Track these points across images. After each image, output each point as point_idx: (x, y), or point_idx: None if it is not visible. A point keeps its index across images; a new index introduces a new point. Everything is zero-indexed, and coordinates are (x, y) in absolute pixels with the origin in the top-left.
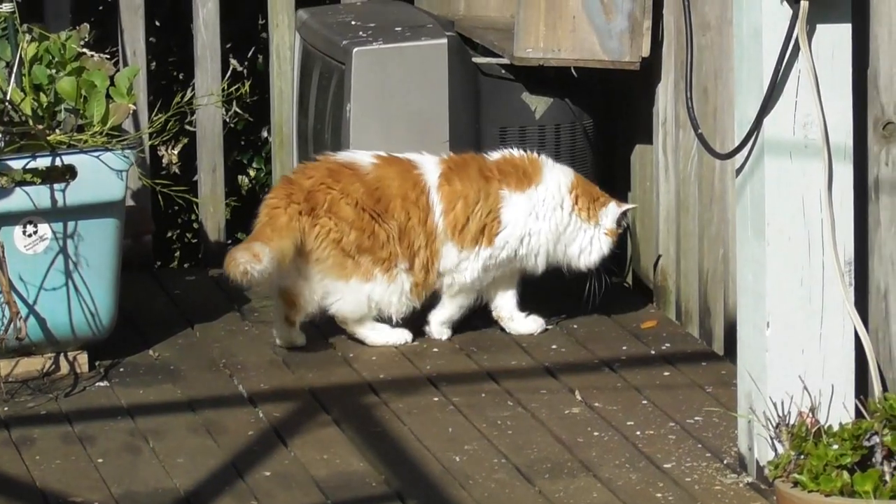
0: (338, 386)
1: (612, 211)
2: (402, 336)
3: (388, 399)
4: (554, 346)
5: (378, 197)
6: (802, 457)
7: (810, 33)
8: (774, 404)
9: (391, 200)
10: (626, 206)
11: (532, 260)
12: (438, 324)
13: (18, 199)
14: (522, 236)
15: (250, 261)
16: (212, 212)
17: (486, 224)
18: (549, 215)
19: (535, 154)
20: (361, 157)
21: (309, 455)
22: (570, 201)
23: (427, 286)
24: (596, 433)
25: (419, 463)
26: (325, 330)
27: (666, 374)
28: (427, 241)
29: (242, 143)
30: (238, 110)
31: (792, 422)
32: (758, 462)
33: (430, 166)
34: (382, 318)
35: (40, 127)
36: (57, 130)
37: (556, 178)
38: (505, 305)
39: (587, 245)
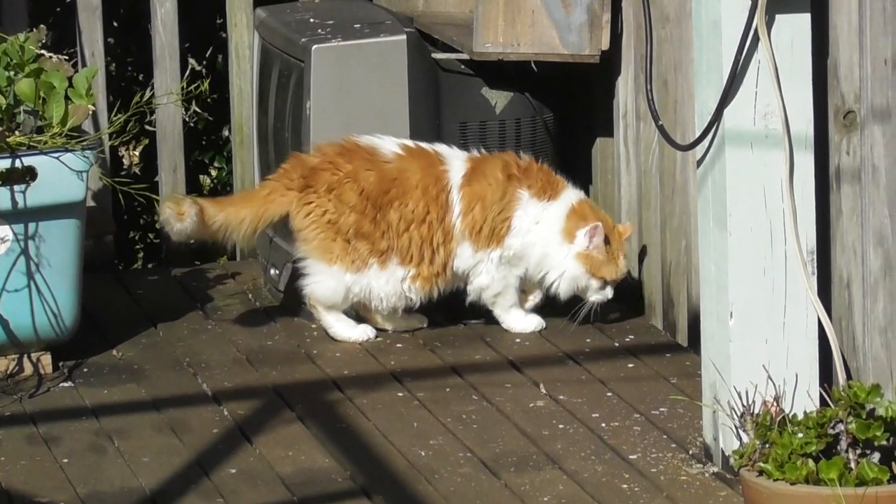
0: (302, 383)
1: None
2: (365, 333)
3: (352, 395)
4: (518, 340)
5: (389, 188)
6: (767, 446)
7: (769, 23)
8: (739, 394)
9: (408, 191)
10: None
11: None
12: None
13: None
14: (527, 243)
15: (172, 216)
16: None
17: (495, 225)
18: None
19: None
20: (386, 143)
21: (274, 452)
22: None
23: (439, 283)
24: (561, 426)
25: (384, 458)
26: (288, 327)
27: (630, 366)
28: (444, 239)
29: (203, 142)
30: (198, 110)
31: (756, 411)
32: (723, 452)
33: (456, 163)
34: (357, 312)
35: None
36: (16, 132)
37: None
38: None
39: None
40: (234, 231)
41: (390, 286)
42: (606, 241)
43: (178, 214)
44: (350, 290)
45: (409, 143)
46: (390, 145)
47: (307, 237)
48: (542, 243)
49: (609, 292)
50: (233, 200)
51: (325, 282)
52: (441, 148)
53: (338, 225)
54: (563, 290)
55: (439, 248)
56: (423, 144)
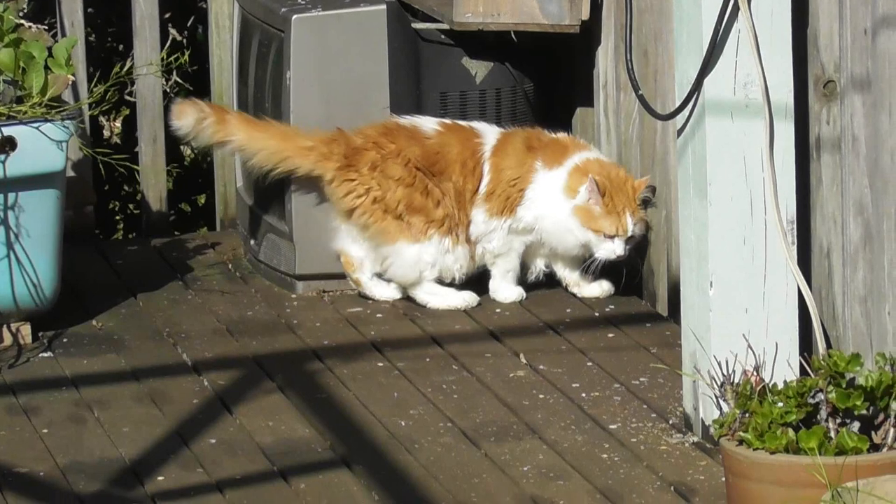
0: (282, 353)
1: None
2: (466, 299)
3: (332, 365)
4: (498, 310)
5: (436, 160)
6: (747, 415)
7: None
8: (719, 363)
9: (450, 165)
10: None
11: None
12: (494, 292)
13: None
14: (538, 215)
15: (174, 112)
16: (153, 182)
17: (510, 195)
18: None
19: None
20: (425, 122)
21: (254, 422)
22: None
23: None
24: (541, 396)
25: (365, 428)
26: (268, 297)
27: (610, 335)
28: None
29: None
30: (178, 80)
31: (737, 380)
32: (703, 421)
33: (490, 137)
34: (443, 282)
35: None
36: None
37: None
38: (569, 275)
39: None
40: (246, 155)
41: (452, 255)
42: (604, 194)
43: (179, 111)
44: (421, 260)
45: (448, 120)
46: (430, 123)
47: (363, 224)
48: (549, 210)
49: (616, 247)
50: (265, 127)
51: (395, 262)
52: (478, 124)
53: (385, 202)
54: (561, 245)
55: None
56: (461, 122)
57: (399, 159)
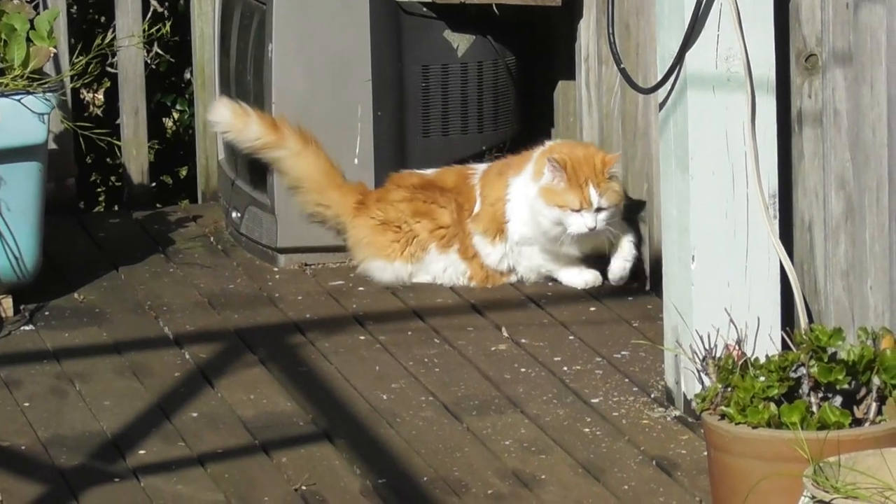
0: (264, 326)
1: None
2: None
3: (314, 339)
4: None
5: (432, 185)
6: (729, 389)
7: None
8: (701, 337)
9: (446, 188)
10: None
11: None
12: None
13: None
14: (519, 219)
15: (211, 111)
16: (135, 154)
17: (496, 214)
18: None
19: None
20: (427, 170)
21: (236, 395)
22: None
23: (483, 278)
24: (523, 369)
25: (346, 402)
26: (250, 270)
27: (592, 309)
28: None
29: (165, 84)
30: (160, 52)
31: (718, 354)
32: (685, 395)
33: (480, 168)
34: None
35: None
36: None
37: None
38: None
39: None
40: (285, 171)
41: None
42: (565, 168)
43: (215, 110)
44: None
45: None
46: (430, 171)
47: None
48: (523, 205)
49: (586, 220)
50: (316, 153)
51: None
52: (474, 164)
53: (394, 222)
54: (542, 234)
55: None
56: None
57: (398, 187)
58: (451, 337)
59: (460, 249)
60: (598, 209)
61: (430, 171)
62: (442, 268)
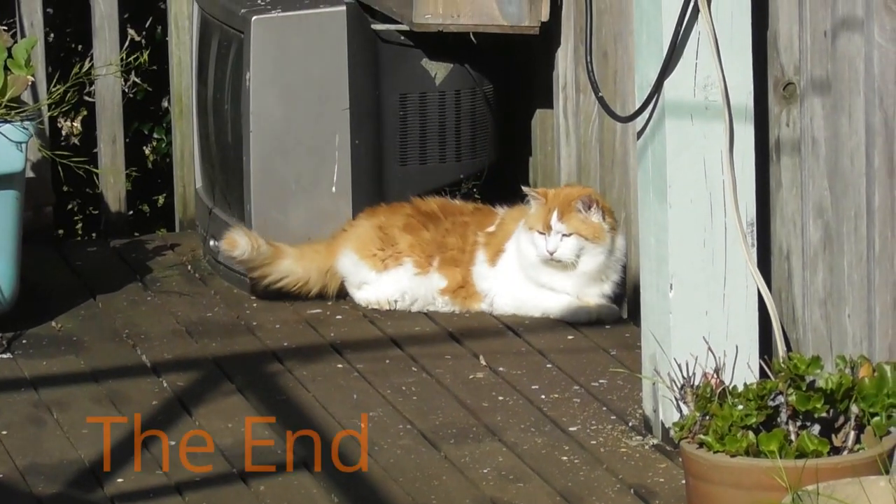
0: (241, 354)
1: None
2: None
3: (292, 367)
4: (457, 312)
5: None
6: (707, 417)
7: None
8: (679, 366)
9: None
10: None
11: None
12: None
13: None
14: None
15: (225, 244)
16: (112, 183)
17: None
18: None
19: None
20: None
21: (214, 424)
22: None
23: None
24: (501, 398)
25: (323, 429)
26: (228, 298)
27: (570, 337)
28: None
29: (143, 113)
30: (137, 80)
31: (697, 383)
32: (663, 424)
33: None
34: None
35: None
36: None
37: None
38: None
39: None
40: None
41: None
42: (545, 197)
43: (231, 242)
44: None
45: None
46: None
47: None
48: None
49: (547, 243)
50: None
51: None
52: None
53: (385, 228)
54: (519, 254)
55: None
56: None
57: (409, 206)
58: (429, 365)
59: (440, 265)
60: (562, 235)
61: (457, 202)
62: (408, 286)
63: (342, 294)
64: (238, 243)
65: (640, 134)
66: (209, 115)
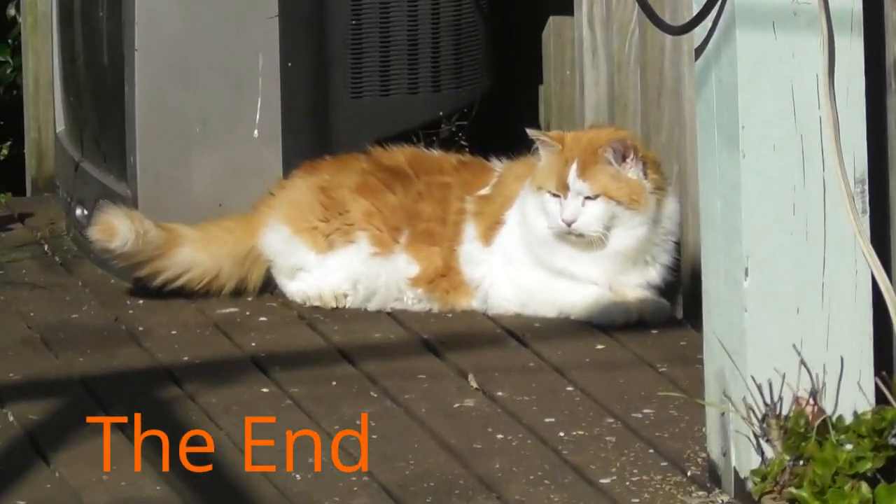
0: (122, 374)
1: None
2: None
3: (194, 392)
4: (436, 310)
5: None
6: (801, 462)
7: None
8: (759, 387)
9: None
10: None
11: None
12: None
13: None
14: None
15: (98, 232)
16: None
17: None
18: None
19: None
20: None
21: (82, 475)
22: None
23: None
24: (500, 436)
25: (242, 487)
26: (102, 293)
27: (599, 347)
28: None
29: None
30: None
31: (785, 412)
32: (736, 472)
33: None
34: None
35: None
36: None
37: None
38: None
39: None
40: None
41: None
42: (561, 142)
43: (106, 230)
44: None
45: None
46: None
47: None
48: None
49: (563, 210)
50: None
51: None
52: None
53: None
54: (523, 225)
55: None
56: None
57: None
58: (395, 388)
59: (409, 243)
60: (584, 197)
61: (434, 153)
62: (363, 273)
63: (269, 286)
64: (116, 230)
65: (699, 51)
66: (76, 28)
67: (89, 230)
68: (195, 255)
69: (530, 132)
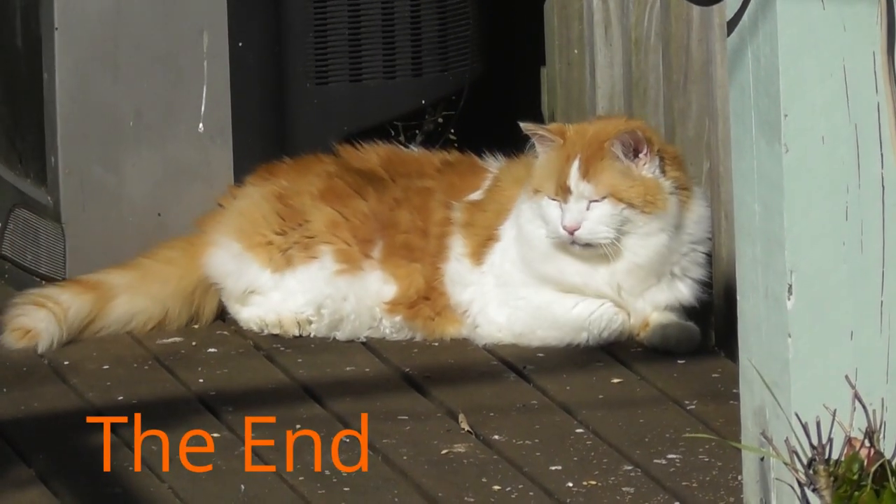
0: (44, 418)
1: None
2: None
3: (130, 438)
4: (419, 339)
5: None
6: None
7: None
8: (805, 427)
9: None
10: None
11: None
12: None
13: None
14: None
15: (13, 338)
16: None
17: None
18: None
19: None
20: None
21: None
22: None
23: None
24: (496, 486)
25: None
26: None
27: (616, 380)
28: None
29: None
30: None
31: (835, 456)
32: None
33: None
34: None
35: None
36: None
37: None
38: None
39: None
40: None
41: None
42: (563, 136)
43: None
44: None
45: None
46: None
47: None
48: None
49: (564, 217)
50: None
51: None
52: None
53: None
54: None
55: None
56: None
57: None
58: (372, 432)
59: (384, 258)
60: (589, 200)
61: (414, 151)
62: (328, 294)
63: (221, 314)
64: (36, 331)
65: (732, 25)
66: None
67: (4, 338)
68: (133, 302)
69: (524, 126)
